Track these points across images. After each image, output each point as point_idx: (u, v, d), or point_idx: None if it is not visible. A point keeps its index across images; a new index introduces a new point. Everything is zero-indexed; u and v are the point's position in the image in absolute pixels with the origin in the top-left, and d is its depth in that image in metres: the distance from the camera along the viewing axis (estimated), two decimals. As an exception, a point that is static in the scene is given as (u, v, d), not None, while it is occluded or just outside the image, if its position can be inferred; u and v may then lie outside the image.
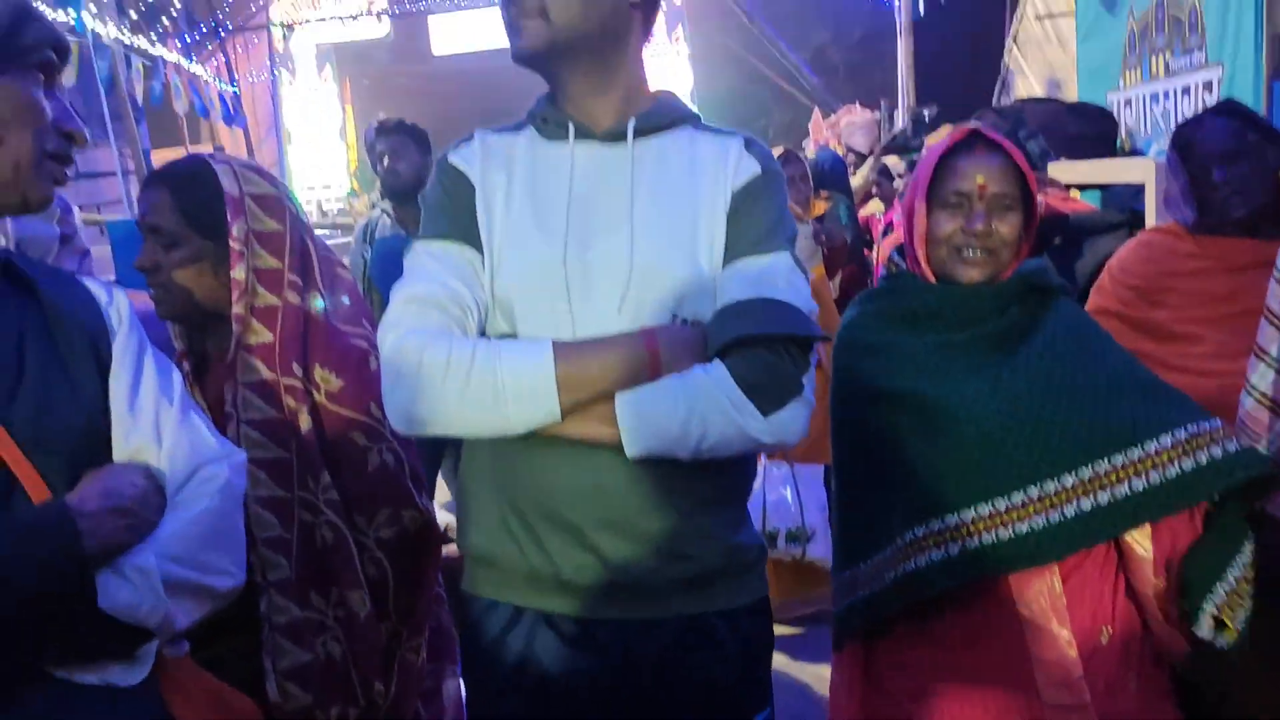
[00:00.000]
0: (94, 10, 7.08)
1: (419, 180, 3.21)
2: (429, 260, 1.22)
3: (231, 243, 1.36)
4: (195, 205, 1.37)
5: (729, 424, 1.11)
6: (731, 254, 1.21)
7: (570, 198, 1.21)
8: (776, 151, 3.66)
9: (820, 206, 4.11)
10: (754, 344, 1.13)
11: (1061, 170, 3.17)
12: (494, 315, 1.23)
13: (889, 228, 4.63)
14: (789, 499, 3.06)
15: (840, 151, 7.31)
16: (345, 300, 1.49)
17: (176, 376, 1.08)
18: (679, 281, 1.19)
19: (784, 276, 1.20)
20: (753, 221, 1.22)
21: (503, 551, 1.21)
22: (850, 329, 1.56)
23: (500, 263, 1.21)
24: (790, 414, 1.15)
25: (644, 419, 1.11)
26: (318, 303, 1.44)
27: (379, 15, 14.76)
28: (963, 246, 1.43)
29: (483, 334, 1.22)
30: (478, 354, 1.12)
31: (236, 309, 1.36)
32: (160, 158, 11.39)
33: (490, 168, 1.25)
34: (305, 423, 1.38)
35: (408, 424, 1.17)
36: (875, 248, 4.84)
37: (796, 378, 1.15)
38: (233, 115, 11.45)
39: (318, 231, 1.61)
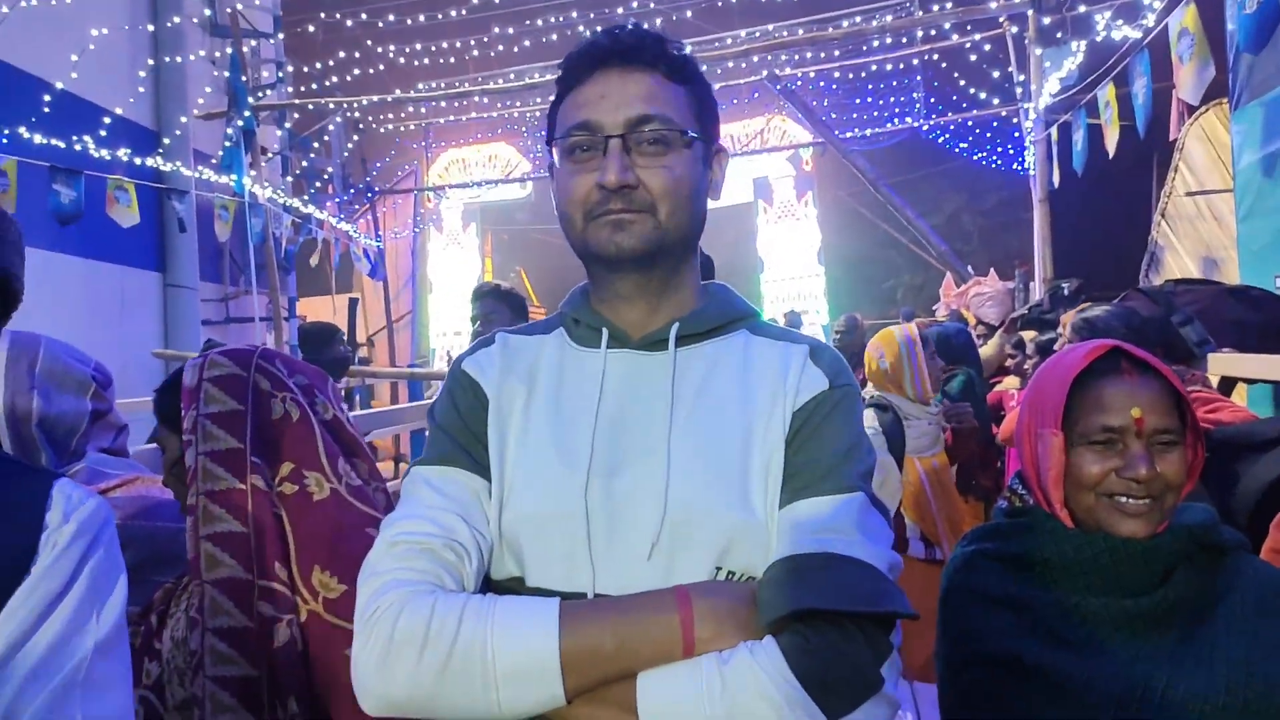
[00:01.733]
0: (254, 175, 7.70)
1: None
2: (426, 490, 1.01)
3: (183, 434, 1.31)
4: (167, 409, 1.38)
5: None
6: (791, 492, 0.96)
7: (598, 417, 1.01)
8: (904, 327, 3.37)
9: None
10: (819, 620, 0.86)
11: (1226, 363, 2.75)
12: (501, 555, 1.00)
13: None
14: (908, 724, 2.75)
15: (971, 321, 6.98)
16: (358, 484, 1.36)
17: (92, 627, 0.86)
18: (724, 525, 0.95)
19: (858, 525, 0.93)
20: (818, 451, 0.98)
21: None
22: (963, 573, 1.27)
23: (510, 493, 1.00)
24: (865, 718, 0.86)
25: (670, 711, 0.85)
26: (324, 489, 1.30)
27: (522, 181, 16.06)
28: (1120, 494, 1.15)
29: (487, 580, 1.00)
30: (465, 619, 0.89)
31: (190, 499, 1.27)
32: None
33: (509, 377, 1.07)
34: (283, 635, 1.22)
35: (376, 704, 0.91)
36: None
37: (874, 668, 0.87)
38: (374, 268, 12.17)
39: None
